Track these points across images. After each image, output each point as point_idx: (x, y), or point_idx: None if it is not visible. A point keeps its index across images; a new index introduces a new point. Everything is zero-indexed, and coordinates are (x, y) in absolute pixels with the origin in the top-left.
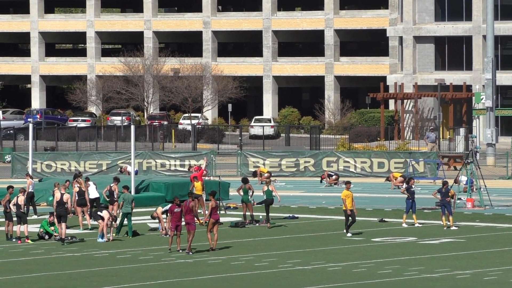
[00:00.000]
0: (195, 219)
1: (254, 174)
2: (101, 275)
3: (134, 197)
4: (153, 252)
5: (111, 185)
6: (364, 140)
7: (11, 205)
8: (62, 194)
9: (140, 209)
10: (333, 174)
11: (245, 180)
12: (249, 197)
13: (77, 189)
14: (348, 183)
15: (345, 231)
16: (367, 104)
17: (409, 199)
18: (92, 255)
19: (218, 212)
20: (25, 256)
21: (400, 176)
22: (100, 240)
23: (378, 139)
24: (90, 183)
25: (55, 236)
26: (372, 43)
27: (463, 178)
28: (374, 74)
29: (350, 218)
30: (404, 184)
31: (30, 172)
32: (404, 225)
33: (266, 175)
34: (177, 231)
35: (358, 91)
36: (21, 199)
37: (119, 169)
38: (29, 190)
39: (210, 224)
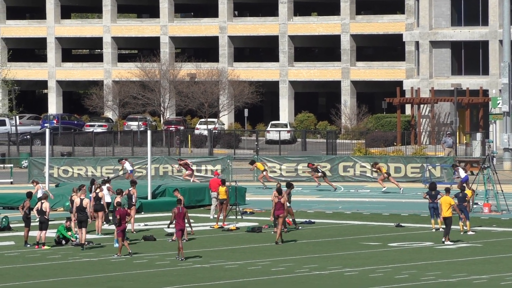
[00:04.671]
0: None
1: (252, 162)
2: (118, 280)
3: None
4: (170, 257)
5: (130, 189)
6: (381, 145)
7: (34, 211)
8: (81, 200)
9: (157, 214)
10: (320, 171)
11: (289, 185)
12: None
13: (93, 194)
14: (448, 190)
15: (443, 239)
16: (384, 109)
17: (431, 203)
18: (109, 260)
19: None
20: (42, 261)
21: (385, 173)
22: (116, 245)
23: (395, 144)
24: (104, 187)
25: (72, 241)
26: (388, 48)
27: (461, 173)
28: (391, 79)
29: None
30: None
31: (47, 178)
32: (434, 230)
33: (264, 173)
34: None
35: (374, 96)
36: (46, 205)
37: (118, 160)
38: (38, 196)
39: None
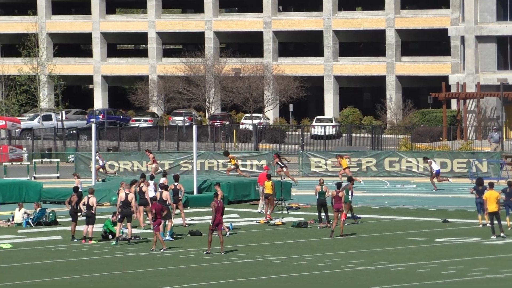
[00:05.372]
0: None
1: (226, 153)
2: (164, 275)
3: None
4: (216, 252)
5: (176, 184)
6: (426, 140)
7: (81, 205)
8: (126, 194)
9: (203, 209)
10: (283, 165)
11: (349, 179)
12: (349, 197)
13: (138, 188)
14: (491, 185)
15: (501, 234)
16: (429, 104)
17: (478, 198)
18: (155, 255)
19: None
20: (89, 256)
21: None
22: (165, 238)
23: (441, 139)
24: (151, 182)
25: (120, 236)
26: (433, 42)
27: (434, 167)
28: (436, 74)
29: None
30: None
31: (93, 172)
32: (481, 225)
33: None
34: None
35: (419, 91)
36: (92, 200)
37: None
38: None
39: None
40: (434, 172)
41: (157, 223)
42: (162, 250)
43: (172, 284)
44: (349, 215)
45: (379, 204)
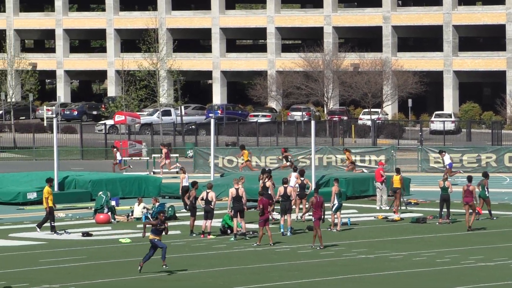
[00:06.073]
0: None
1: (242, 147)
2: (283, 270)
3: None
4: (334, 248)
5: (302, 178)
6: None
7: (199, 200)
8: (237, 189)
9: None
10: (290, 161)
11: (485, 175)
12: (486, 193)
13: (261, 184)
14: None
15: None
16: None
17: None
18: (273, 250)
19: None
20: (208, 251)
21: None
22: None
23: None
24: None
25: (238, 231)
26: None
27: (446, 160)
28: None
29: None
30: None
31: (212, 167)
32: None
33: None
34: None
35: None
36: (211, 195)
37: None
38: (184, 185)
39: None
40: (447, 166)
41: (263, 218)
42: (271, 244)
43: (290, 279)
44: (485, 211)
45: (499, 200)
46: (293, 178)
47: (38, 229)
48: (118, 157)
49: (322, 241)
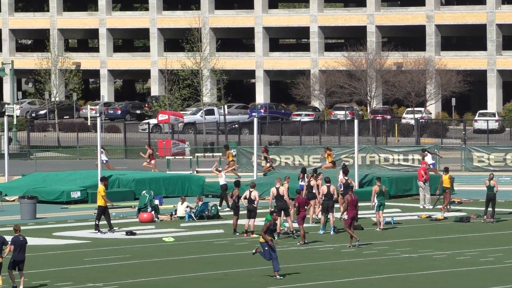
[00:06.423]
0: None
1: (226, 147)
2: (325, 269)
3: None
4: (377, 247)
5: (346, 178)
6: None
7: (242, 199)
8: (277, 188)
9: (364, 203)
10: (269, 160)
11: None
12: None
13: (306, 183)
14: None
15: None
16: None
17: None
18: (316, 249)
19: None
20: (251, 250)
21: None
22: (320, 232)
23: None
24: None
25: (281, 229)
26: None
27: (428, 160)
28: None
29: None
30: None
31: (255, 166)
32: None
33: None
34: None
35: None
36: (255, 194)
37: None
38: (222, 183)
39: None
40: (430, 165)
41: (300, 217)
42: (298, 244)
43: (333, 278)
44: None
45: None
46: (340, 176)
47: (109, 231)
48: (104, 157)
49: (352, 239)
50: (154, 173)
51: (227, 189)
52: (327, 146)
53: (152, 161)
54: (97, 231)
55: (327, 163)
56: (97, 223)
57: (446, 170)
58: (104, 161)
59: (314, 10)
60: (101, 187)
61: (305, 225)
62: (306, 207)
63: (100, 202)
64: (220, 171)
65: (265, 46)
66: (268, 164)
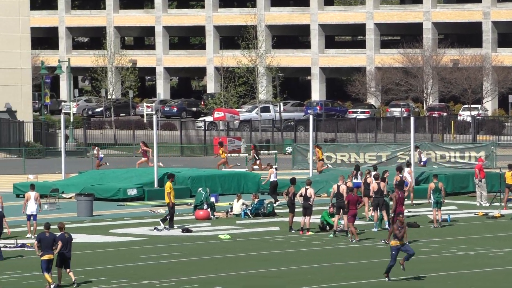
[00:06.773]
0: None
1: (220, 144)
2: (382, 267)
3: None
4: (434, 244)
5: (400, 175)
6: None
7: (297, 196)
8: (338, 186)
9: (420, 200)
10: (258, 158)
11: None
12: None
13: (363, 180)
14: None
15: None
16: None
17: None
18: (372, 247)
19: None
20: (306, 247)
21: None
22: (375, 229)
23: None
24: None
25: (338, 227)
26: None
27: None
28: None
29: None
30: None
31: (310, 164)
32: None
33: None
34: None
35: None
36: (310, 191)
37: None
38: (272, 180)
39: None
40: (422, 163)
41: (350, 214)
42: (353, 241)
43: (390, 275)
44: None
45: None
46: (407, 174)
47: (170, 228)
48: (99, 154)
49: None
50: (210, 170)
51: (277, 186)
52: (316, 143)
53: (143, 158)
54: (169, 228)
55: (256, 162)
56: (167, 218)
57: (510, 167)
58: (99, 159)
59: (370, 7)
60: (168, 184)
61: (361, 222)
62: (357, 205)
63: (171, 198)
64: (272, 166)
65: (321, 43)
66: (258, 162)
